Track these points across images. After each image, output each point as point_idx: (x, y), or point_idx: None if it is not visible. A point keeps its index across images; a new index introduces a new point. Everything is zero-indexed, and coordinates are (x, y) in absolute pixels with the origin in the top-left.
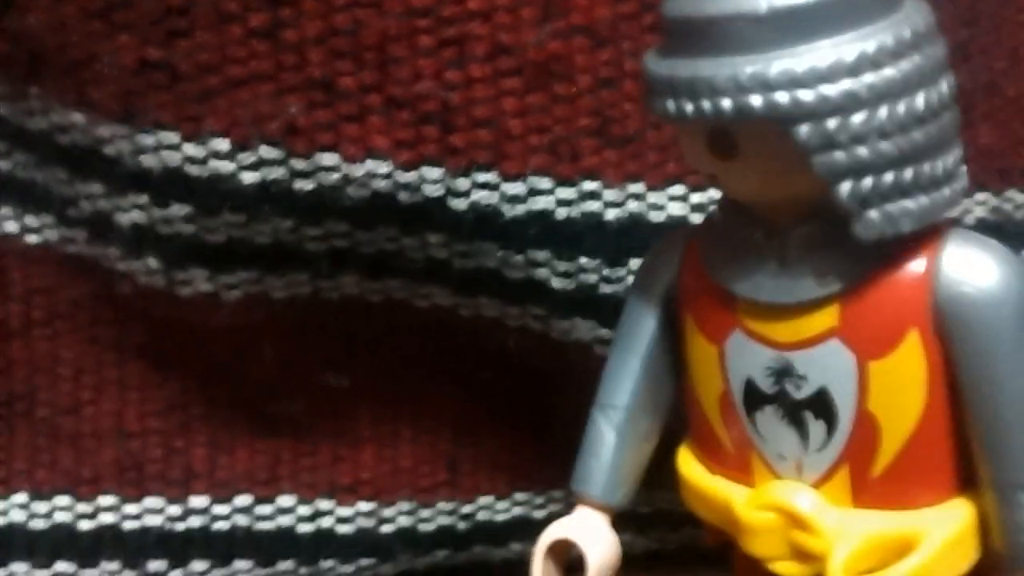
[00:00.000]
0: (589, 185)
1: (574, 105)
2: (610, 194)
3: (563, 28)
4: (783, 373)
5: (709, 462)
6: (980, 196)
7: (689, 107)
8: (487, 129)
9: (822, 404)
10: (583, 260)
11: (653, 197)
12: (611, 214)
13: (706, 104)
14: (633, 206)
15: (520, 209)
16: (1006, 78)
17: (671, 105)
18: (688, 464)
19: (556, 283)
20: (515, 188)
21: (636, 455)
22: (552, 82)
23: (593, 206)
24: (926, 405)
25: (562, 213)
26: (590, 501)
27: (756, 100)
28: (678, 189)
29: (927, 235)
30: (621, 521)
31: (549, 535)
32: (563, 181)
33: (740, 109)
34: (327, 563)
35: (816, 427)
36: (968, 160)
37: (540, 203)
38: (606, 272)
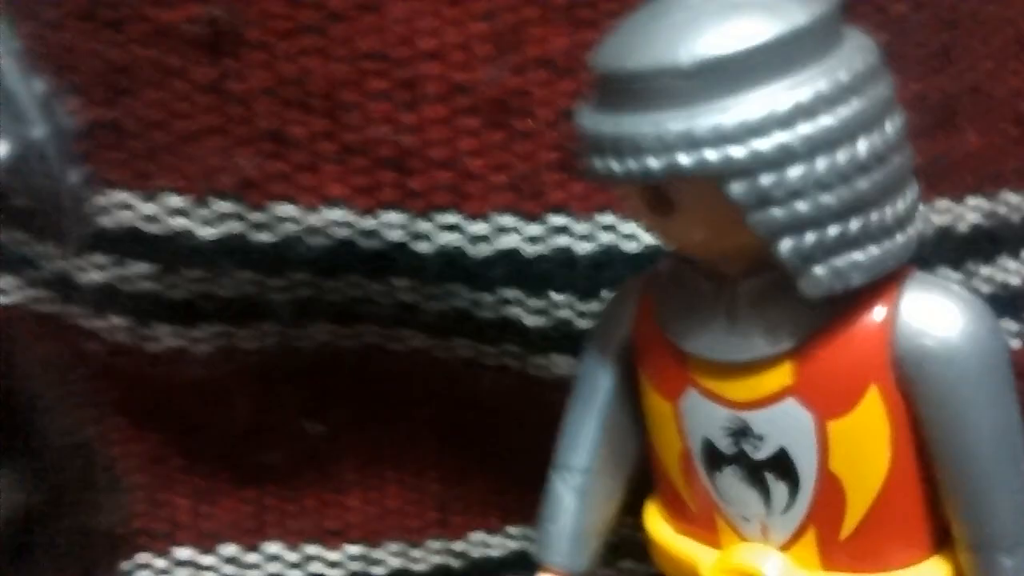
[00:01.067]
0: (557, 220)
1: (535, 140)
2: (580, 227)
3: (519, 62)
4: (740, 433)
5: (675, 521)
6: (972, 201)
7: (616, 166)
8: (446, 170)
9: (783, 465)
10: (555, 296)
11: (626, 228)
12: (582, 248)
13: (632, 164)
14: (605, 238)
15: (486, 249)
16: (992, 79)
17: (599, 164)
18: (654, 522)
19: (529, 321)
20: (479, 228)
21: (599, 517)
22: (510, 118)
23: (562, 241)
24: (892, 464)
25: (530, 250)
26: (552, 570)
27: (684, 159)
28: None
29: (883, 284)
30: (622, 548)
31: None
32: (529, 217)
33: (668, 168)
34: None
35: (778, 488)
36: (957, 165)
37: (506, 242)
38: (580, 307)
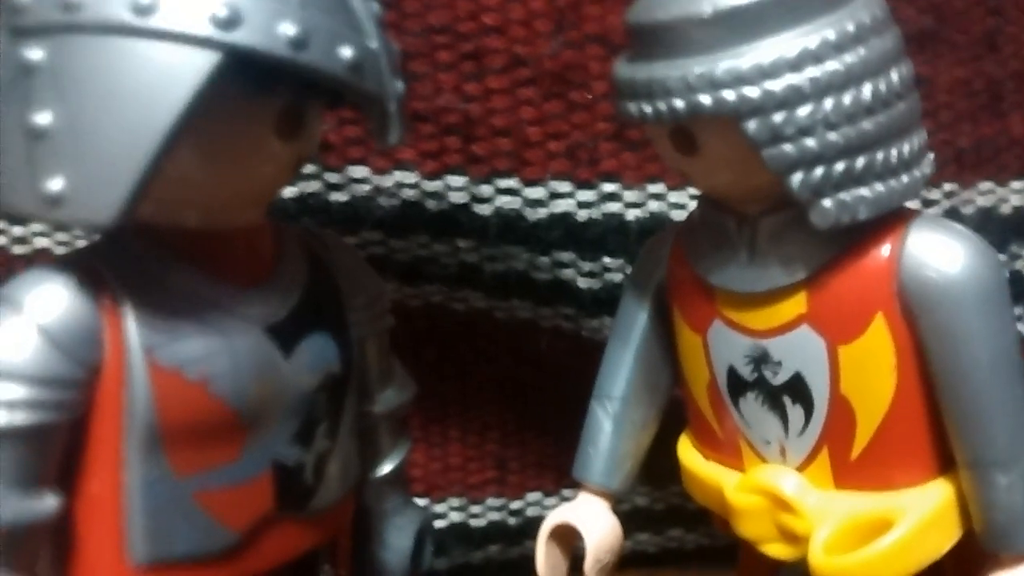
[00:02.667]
0: (609, 187)
1: (591, 111)
2: (630, 195)
3: (577, 38)
4: (760, 360)
5: (704, 449)
6: (1016, 184)
7: (648, 108)
8: (507, 137)
9: (798, 389)
10: (607, 260)
11: (674, 197)
12: (632, 214)
13: (661, 105)
14: (654, 206)
15: (542, 212)
16: None
17: (633, 107)
18: (686, 451)
19: (582, 283)
20: (536, 192)
21: (633, 442)
22: (568, 90)
23: (614, 207)
24: (897, 387)
25: (583, 215)
26: (590, 487)
27: (705, 99)
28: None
29: (892, 222)
30: (636, 520)
31: (550, 521)
32: (583, 184)
33: (691, 108)
34: None
35: (795, 412)
36: (1002, 150)
37: (561, 206)
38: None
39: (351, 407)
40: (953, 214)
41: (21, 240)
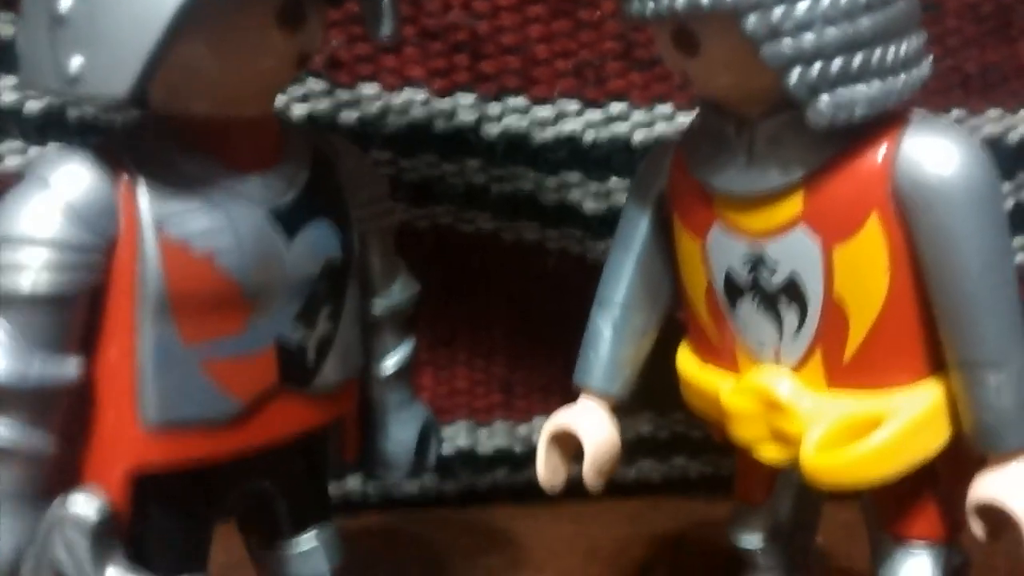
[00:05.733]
0: (616, 107)
1: (599, 30)
2: (637, 116)
3: None
4: (757, 262)
5: (701, 354)
6: None
7: (649, 6)
8: (515, 55)
9: (793, 290)
10: (613, 181)
11: (681, 118)
12: (638, 136)
13: (662, 3)
14: (661, 127)
15: (549, 133)
16: None
17: (636, 6)
18: (685, 359)
19: (589, 205)
20: (544, 112)
21: (633, 348)
22: (576, 8)
23: (621, 128)
24: (890, 288)
25: (590, 136)
26: (590, 392)
27: None
28: None
29: (889, 123)
30: (640, 448)
31: (550, 426)
32: (590, 104)
33: (691, 5)
34: (392, 481)
35: (790, 313)
36: (1010, 76)
37: (568, 126)
38: None
39: (353, 296)
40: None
41: None
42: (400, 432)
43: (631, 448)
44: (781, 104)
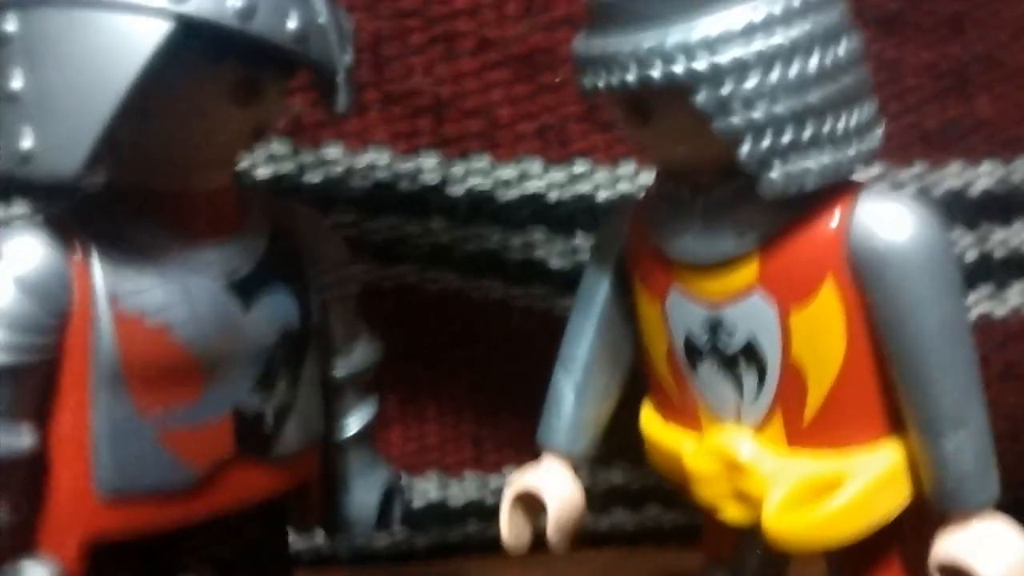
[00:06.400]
0: (579, 167)
1: (560, 93)
2: (600, 175)
3: (546, 21)
4: (715, 326)
5: (663, 412)
6: (986, 166)
7: (601, 80)
8: (478, 118)
9: (752, 354)
10: (578, 240)
11: (644, 177)
12: (602, 195)
13: (614, 78)
14: (624, 186)
15: (513, 192)
16: (1007, 51)
17: (589, 80)
18: (648, 419)
19: (554, 263)
20: (507, 172)
21: (595, 409)
22: (538, 72)
23: (584, 187)
24: (847, 350)
25: (554, 195)
26: (553, 452)
27: (655, 72)
28: None
29: (842, 192)
30: (614, 498)
31: (513, 488)
32: (553, 164)
33: (642, 79)
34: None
35: (749, 377)
36: (970, 131)
37: (532, 186)
38: None
39: (312, 364)
40: (923, 195)
41: (1, 222)
42: (364, 495)
43: (605, 498)
44: (734, 171)
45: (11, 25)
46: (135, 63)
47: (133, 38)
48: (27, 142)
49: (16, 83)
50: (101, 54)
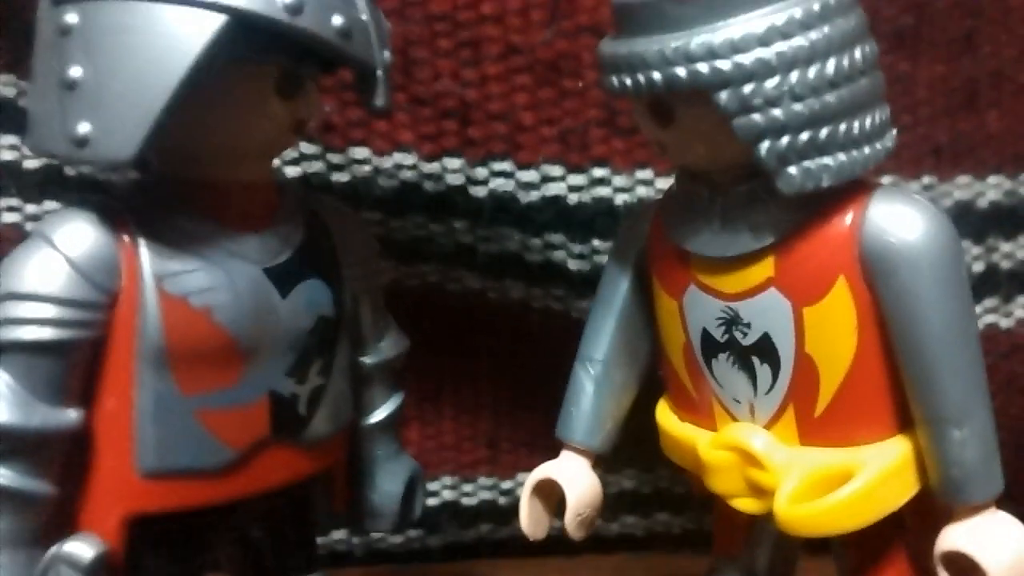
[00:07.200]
0: (599, 172)
1: (582, 98)
2: (619, 180)
3: (570, 28)
4: (731, 322)
5: (680, 411)
6: (993, 180)
7: (628, 81)
8: (502, 122)
9: (766, 349)
10: (596, 242)
11: (661, 183)
12: (620, 199)
13: (640, 77)
14: (642, 191)
15: (534, 195)
16: (1016, 66)
17: (616, 80)
18: (664, 414)
19: (572, 265)
20: (529, 176)
21: (613, 403)
22: (561, 78)
23: (603, 191)
24: (858, 347)
25: (574, 198)
26: (572, 446)
27: (681, 71)
28: None
29: (855, 192)
30: (624, 504)
31: (534, 477)
32: (574, 168)
33: (668, 80)
34: (378, 533)
35: (763, 371)
36: (979, 145)
37: (553, 189)
38: None
39: (343, 351)
40: None
41: (34, 217)
42: (387, 484)
43: (615, 503)
44: (752, 172)
45: (72, 17)
46: (189, 54)
47: (188, 30)
48: (84, 127)
49: (76, 72)
50: (157, 45)
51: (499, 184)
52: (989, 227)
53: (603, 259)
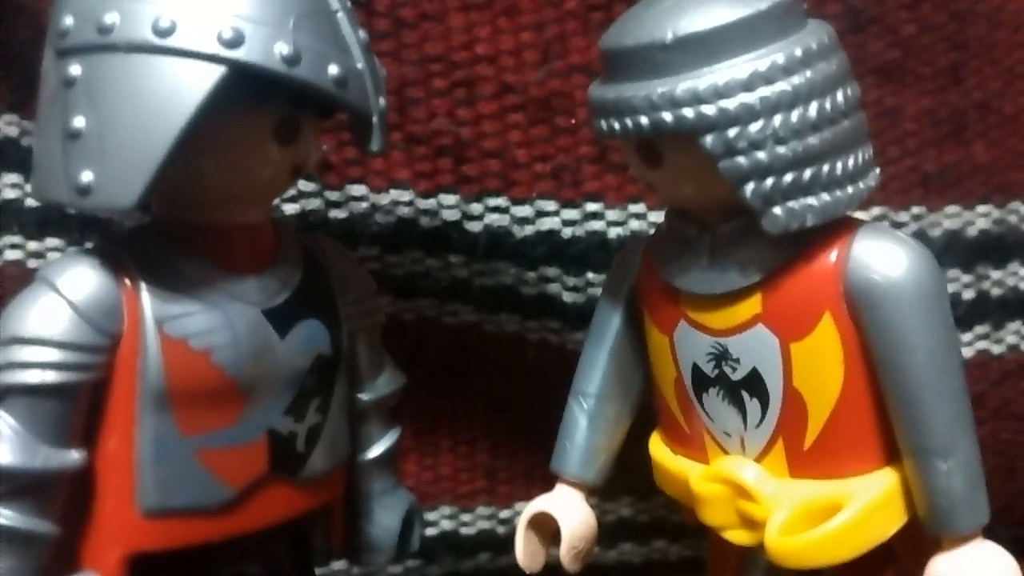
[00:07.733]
0: (592, 206)
1: (575, 135)
2: (612, 214)
3: (562, 68)
4: (721, 357)
5: (672, 444)
6: (982, 209)
7: (616, 124)
8: (496, 159)
9: (755, 384)
10: (590, 275)
11: (653, 216)
12: (613, 232)
13: (628, 121)
14: (634, 225)
15: (529, 230)
16: (1001, 98)
17: (604, 124)
18: (657, 447)
19: (567, 298)
20: (523, 211)
21: (607, 437)
22: (554, 116)
23: (596, 225)
24: (845, 381)
25: (568, 232)
26: (566, 479)
27: (667, 116)
28: None
29: (840, 229)
30: (621, 531)
31: (529, 510)
32: (567, 203)
33: (654, 124)
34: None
35: (752, 405)
36: (966, 176)
37: (547, 224)
38: None
39: (341, 389)
40: (921, 236)
41: (36, 254)
42: (385, 517)
43: (612, 531)
44: (739, 211)
45: (76, 69)
46: (189, 105)
47: (188, 81)
48: (87, 176)
49: (79, 122)
50: (158, 96)
51: (494, 219)
52: (978, 255)
53: (597, 291)
